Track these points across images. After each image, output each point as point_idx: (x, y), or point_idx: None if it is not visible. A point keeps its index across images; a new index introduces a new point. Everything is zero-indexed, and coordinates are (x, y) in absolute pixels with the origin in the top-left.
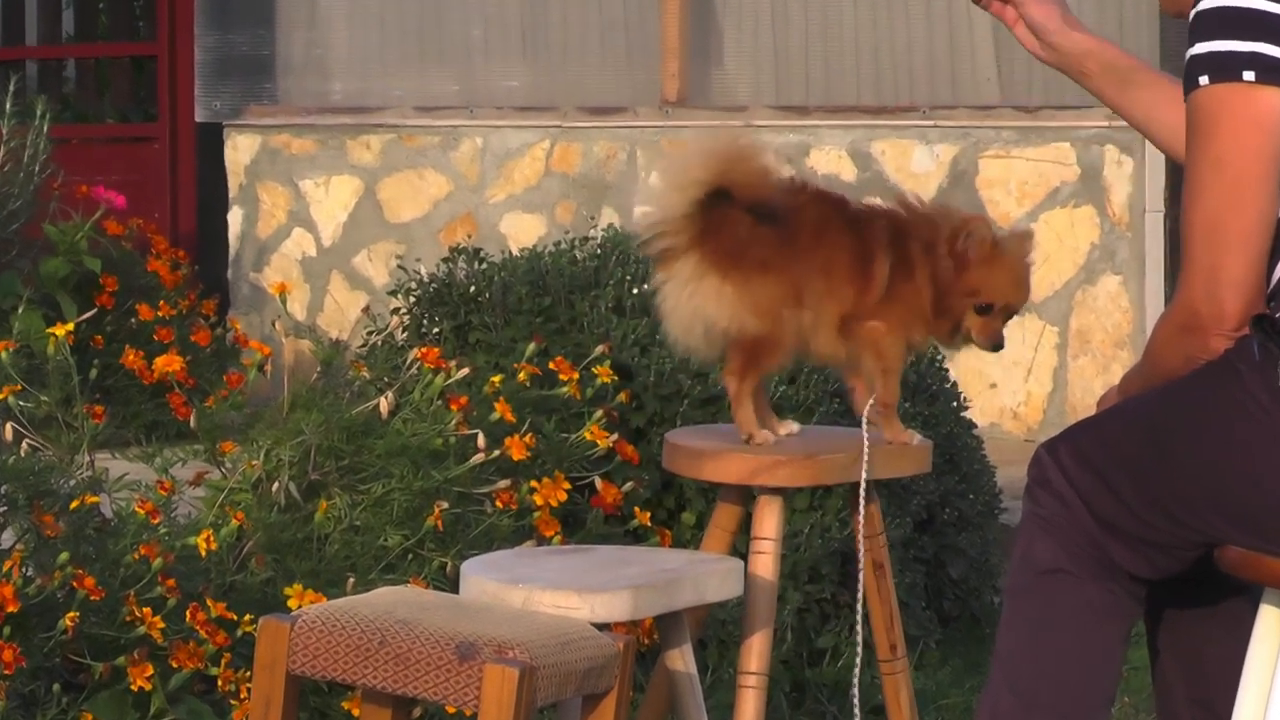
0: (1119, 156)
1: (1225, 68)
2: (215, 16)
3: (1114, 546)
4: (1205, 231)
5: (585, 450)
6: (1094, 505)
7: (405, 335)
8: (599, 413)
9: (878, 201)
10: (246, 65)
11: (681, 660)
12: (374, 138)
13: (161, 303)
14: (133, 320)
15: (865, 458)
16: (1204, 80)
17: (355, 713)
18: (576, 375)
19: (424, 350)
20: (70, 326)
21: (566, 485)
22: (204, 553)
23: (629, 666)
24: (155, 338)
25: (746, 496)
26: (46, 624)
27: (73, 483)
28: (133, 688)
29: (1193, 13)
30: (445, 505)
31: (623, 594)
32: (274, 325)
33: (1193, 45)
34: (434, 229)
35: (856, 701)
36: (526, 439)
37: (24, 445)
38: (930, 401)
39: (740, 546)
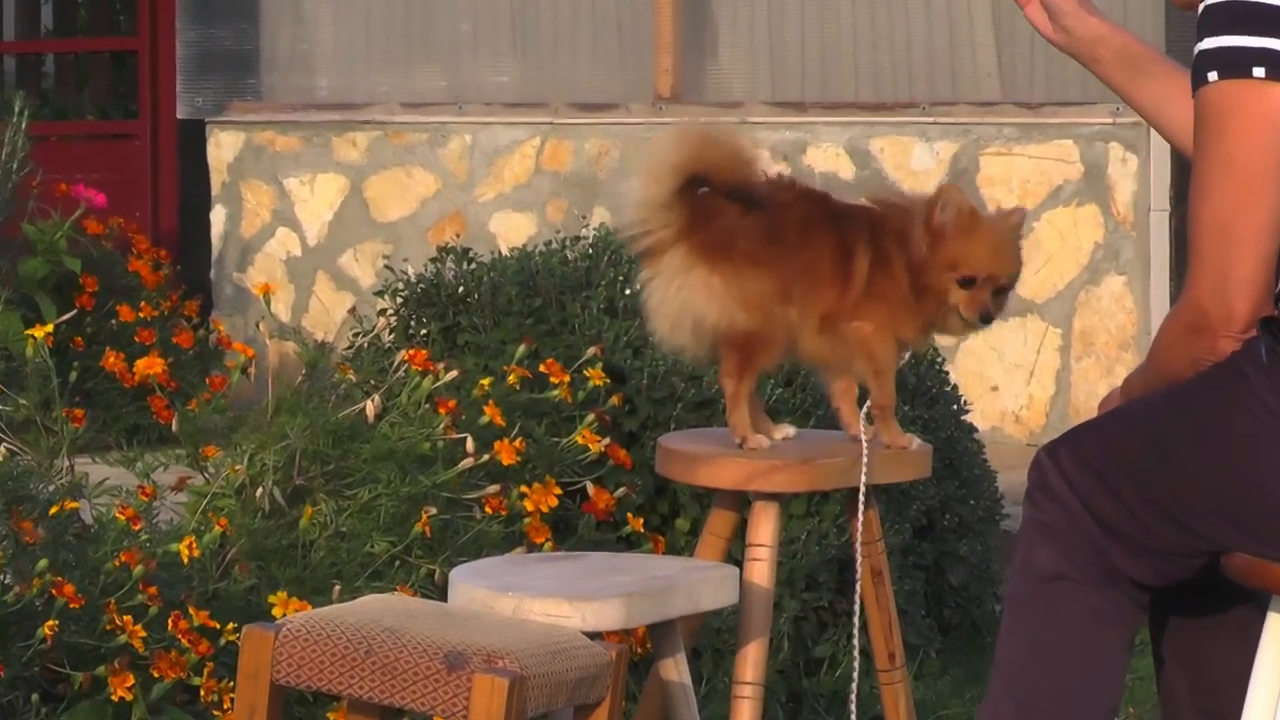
0: (1123, 154)
1: (1235, 64)
2: (197, 10)
3: (1116, 552)
4: (1214, 231)
5: (577, 455)
6: (1096, 510)
7: (392, 337)
8: (591, 416)
9: (863, 201)
10: (229, 60)
11: (675, 670)
12: (360, 135)
13: (143, 304)
14: (113, 322)
15: (865, 462)
16: (1213, 76)
17: None
18: (568, 378)
19: (411, 352)
20: (49, 328)
21: (557, 490)
22: (186, 560)
23: (621, 676)
24: (136, 339)
25: (742, 502)
26: (25, 632)
27: (52, 488)
28: (113, 698)
29: (1202, 6)
30: (433, 511)
31: (615, 602)
32: (258, 327)
33: (1201, 39)
34: (422, 228)
35: (854, 712)
36: (516, 443)
37: (2, 450)
38: (930, 405)
39: (735, 553)
